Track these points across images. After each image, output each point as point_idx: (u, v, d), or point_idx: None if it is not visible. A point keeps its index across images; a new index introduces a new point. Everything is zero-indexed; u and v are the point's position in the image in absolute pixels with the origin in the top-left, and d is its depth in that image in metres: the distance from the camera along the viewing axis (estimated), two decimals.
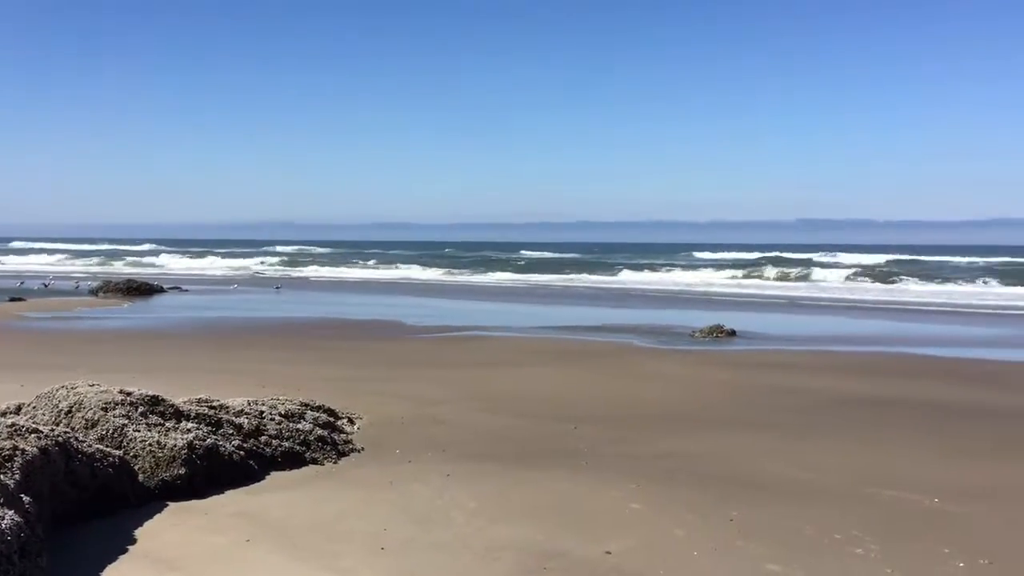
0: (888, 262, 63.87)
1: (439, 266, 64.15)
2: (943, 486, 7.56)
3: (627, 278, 51.90)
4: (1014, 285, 42.62)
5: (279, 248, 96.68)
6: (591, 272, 57.73)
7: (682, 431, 9.84)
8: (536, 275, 54.45)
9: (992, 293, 38.94)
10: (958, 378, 13.94)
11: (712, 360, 15.94)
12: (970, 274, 52.09)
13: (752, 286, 44.67)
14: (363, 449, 8.71)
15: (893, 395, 12.22)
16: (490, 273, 56.78)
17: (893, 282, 46.79)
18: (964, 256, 75.05)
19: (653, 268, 61.42)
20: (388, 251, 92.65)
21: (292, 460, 8.13)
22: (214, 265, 66.18)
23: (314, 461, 8.21)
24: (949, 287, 43.21)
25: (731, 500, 7.11)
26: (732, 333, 19.75)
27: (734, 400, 11.85)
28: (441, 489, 7.28)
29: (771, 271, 55.52)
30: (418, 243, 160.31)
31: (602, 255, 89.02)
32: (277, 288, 39.06)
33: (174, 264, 68.50)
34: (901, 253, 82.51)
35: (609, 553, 5.85)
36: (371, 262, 68.48)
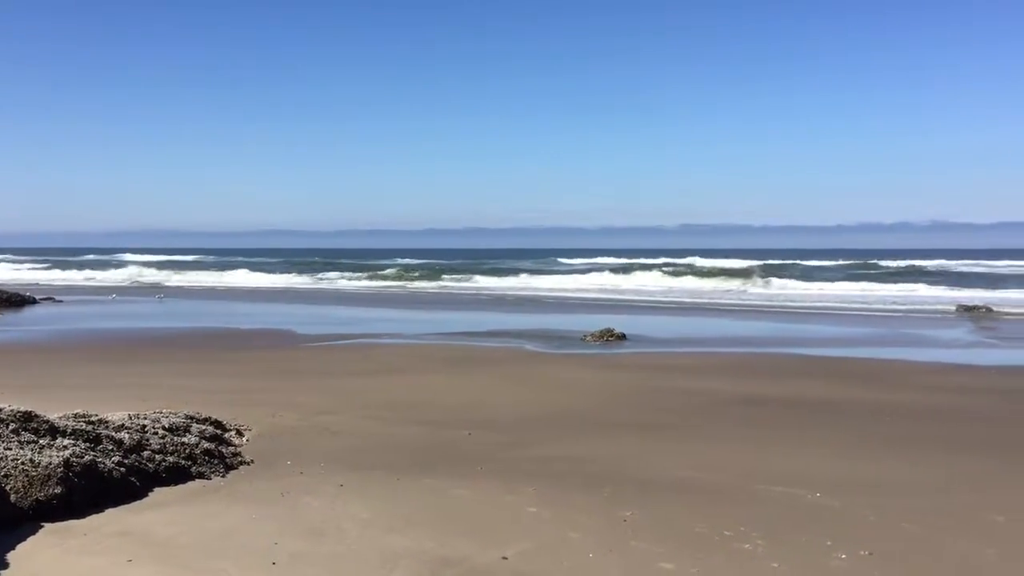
0: (765, 265, 66.27)
1: (327, 271, 63.11)
2: (824, 481, 7.85)
3: (516, 283, 51.99)
4: (861, 281, 45.07)
5: (163, 256, 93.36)
6: (488, 275, 57.83)
7: (575, 434, 9.94)
8: (420, 282, 54.08)
9: (858, 294, 40.76)
10: (834, 376, 14.53)
11: (603, 363, 16.18)
12: (835, 275, 54.62)
13: (633, 291, 45.53)
14: (252, 462, 8.47)
15: (775, 394, 12.65)
16: (368, 282, 55.79)
17: (770, 284, 48.55)
18: (835, 259, 78.66)
19: (533, 273, 61.93)
20: (273, 259, 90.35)
21: (177, 475, 7.83)
22: (89, 275, 63.28)
23: (201, 476, 7.94)
24: (820, 288, 45.01)
25: (624, 501, 7.21)
26: (622, 336, 20.10)
27: (625, 402, 12.04)
28: (334, 500, 7.14)
29: (658, 274, 56.86)
30: (304, 250, 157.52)
31: (491, 260, 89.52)
32: (159, 297, 37.72)
33: (47, 274, 65.21)
34: (780, 257, 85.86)
35: (506, 558, 5.84)
36: (249, 270, 66.37)
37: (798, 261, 77.96)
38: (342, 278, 57.59)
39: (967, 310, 30.17)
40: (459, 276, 57.48)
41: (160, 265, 71.75)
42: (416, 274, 59.23)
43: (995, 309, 30.14)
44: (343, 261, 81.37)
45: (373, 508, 6.92)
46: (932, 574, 5.64)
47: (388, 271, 62.38)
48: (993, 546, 6.14)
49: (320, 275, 60.13)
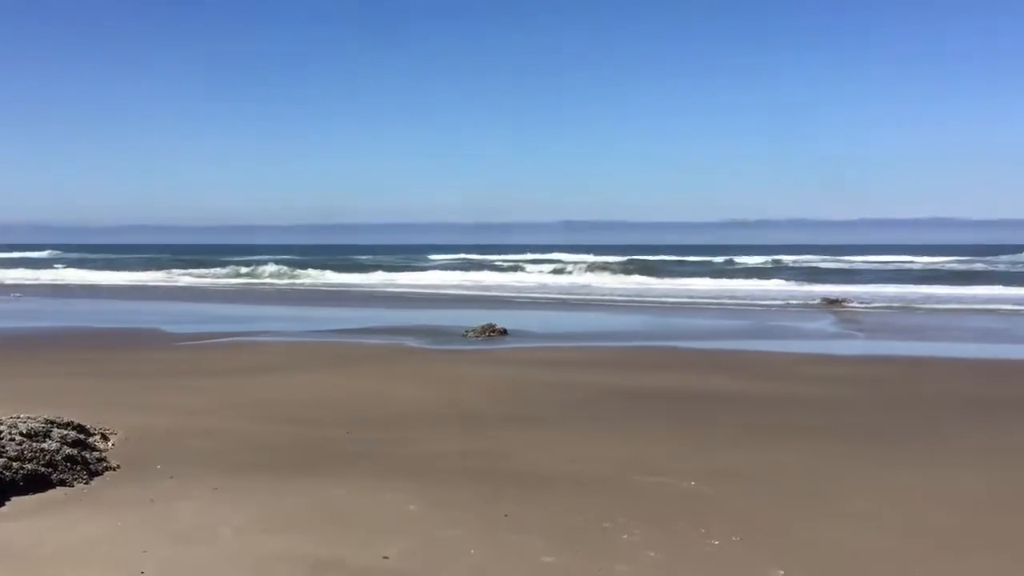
0: (643, 261, 67.99)
1: (197, 267, 60.99)
2: (698, 470, 8.09)
3: (393, 279, 51.50)
4: (726, 277, 46.76)
5: (17, 253, 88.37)
6: (354, 272, 57.13)
7: (457, 430, 9.92)
8: (286, 279, 52.74)
9: (727, 289, 42.25)
10: (706, 368, 15.00)
11: (485, 359, 16.23)
12: (699, 269, 56.62)
13: (513, 287, 45.91)
14: (119, 467, 8.09)
15: (652, 386, 12.96)
16: (228, 279, 54.01)
17: (652, 278, 49.84)
18: (708, 255, 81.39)
19: (414, 269, 61.69)
20: (128, 256, 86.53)
21: (37, 483, 7.41)
22: None
23: (63, 483, 7.53)
24: (690, 283, 46.42)
25: (506, 496, 7.24)
26: (504, 332, 20.19)
27: (507, 397, 12.11)
28: (207, 504, 6.90)
29: (545, 269, 57.58)
30: (178, 246, 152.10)
31: (360, 255, 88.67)
32: (16, 295, 35.70)
33: None
34: (654, 253, 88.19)
35: (386, 558, 5.77)
36: (115, 267, 63.48)
37: (671, 256, 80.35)
38: (191, 275, 55.45)
39: (830, 303, 31.68)
40: (321, 271, 56.46)
41: (12, 263, 68.00)
42: (274, 270, 57.12)
43: (855, 302, 31.74)
44: (203, 257, 78.04)
45: (248, 511, 6.72)
46: (796, 556, 5.87)
47: (245, 268, 59.92)
48: (854, 529, 6.45)
49: (176, 271, 57.89)
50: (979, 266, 61.48)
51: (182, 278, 53.31)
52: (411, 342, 18.60)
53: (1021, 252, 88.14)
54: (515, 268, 61.98)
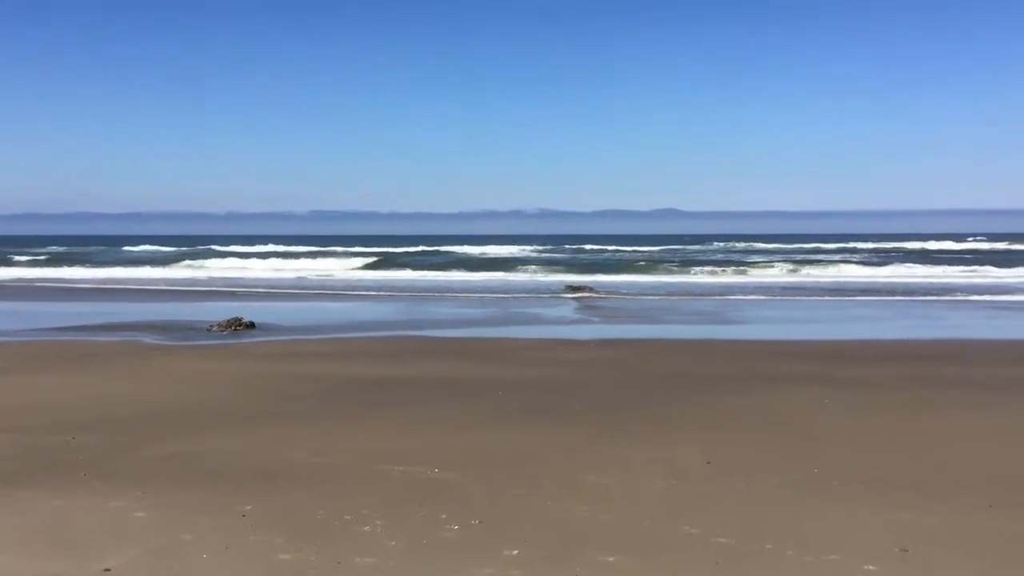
0: (394, 253, 68.17)
1: None
2: (443, 456, 8.22)
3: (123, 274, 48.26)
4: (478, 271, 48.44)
5: None
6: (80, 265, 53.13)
7: (196, 430, 9.46)
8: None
9: (480, 278, 43.34)
10: (453, 356, 15.29)
11: (230, 353, 15.61)
12: (446, 260, 57.93)
13: (257, 280, 44.59)
14: None
15: (400, 375, 13.02)
16: None
17: (405, 269, 50.07)
18: (459, 245, 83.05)
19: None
20: None
21: None
22: None
23: None
24: (446, 274, 47.22)
25: (245, 494, 7.00)
26: (251, 325, 19.52)
27: (252, 392, 11.71)
28: None
29: (278, 261, 56.13)
30: None
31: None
32: None
33: None
34: (408, 244, 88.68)
35: (108, 570, 5.41)
36: None
37: (428, 248, 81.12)
38: None
39: (573, 290, 33.27)
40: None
41: None
42: None
43: (596, 290, 33.52)
44: None
45: None
46: (532, 534, 6.12)
47: None
48: (585, 503, 6.82)
49: None
50: (698, 255, 67.30)
51: None
52: (148, 338, 17.53)
53: (730, 240, 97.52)
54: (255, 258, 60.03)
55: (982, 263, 50.50)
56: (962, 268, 47.94)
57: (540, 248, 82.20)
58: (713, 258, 62.86)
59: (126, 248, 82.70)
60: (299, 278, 44.24)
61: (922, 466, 7.88)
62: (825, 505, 6.77)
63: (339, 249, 71.93)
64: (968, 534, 6.10)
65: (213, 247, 79.77)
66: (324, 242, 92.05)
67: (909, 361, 14.38)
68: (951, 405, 10.70)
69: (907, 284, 37.23)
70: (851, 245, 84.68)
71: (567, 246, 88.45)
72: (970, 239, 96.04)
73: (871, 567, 5.50)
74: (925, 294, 31.19)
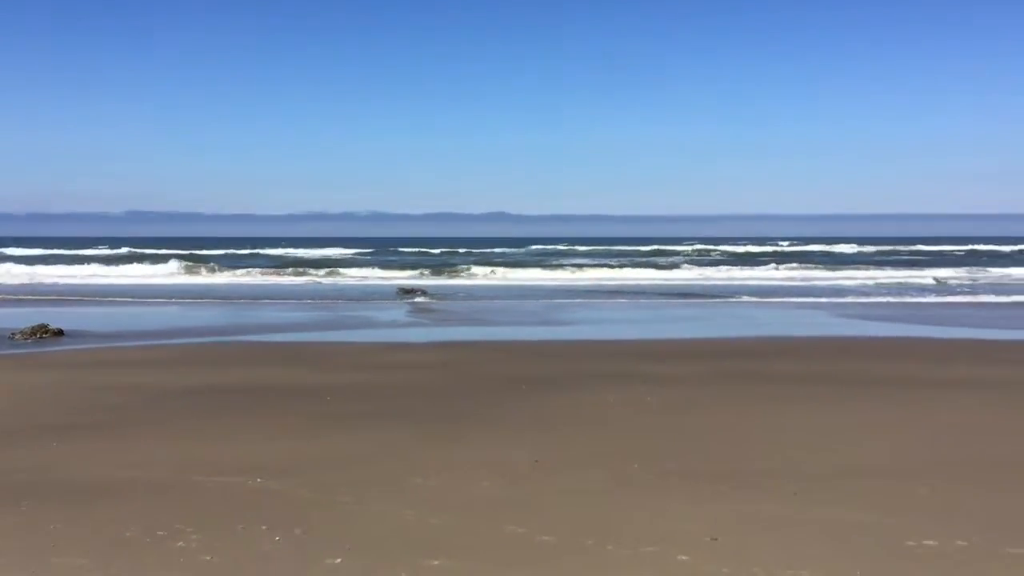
0: (230, 255, 65.77)
1: None
2: (267, 465, 7.96)
3: None
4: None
5: None
6: None
7: None
8: None
9: (311, 282, 42.50)
10: (281, 362, 14.88)
11: (35, 363, 14.60)
12: (267, 262, 56.52)
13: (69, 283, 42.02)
14: None
15: (223, 383, 12.53)
16: None
17: (228, 273, 48.39)
18: (281, 247, 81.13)
19: None
20: None
21: None
22: None
23: None
24: (276, 278, 46.03)
25: (48, 513, 6.53)
26: (60, 332, 18.29)
27: (58, 404, 10.97)
28: None
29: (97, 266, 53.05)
30: None
31: None
32: None
33: None
34: (240, 247, 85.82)
35: None
36: None
37: (254, 250, 78.69)
38: None
39: (407, 292, 33.12)
40: None
41: None
42: None
43: (430, 292, 33.51)
44: None
45: None
46: (355, 540, 6.01)
47: None
48: (412, 508, 6.76)
49: None
50: (528, 258, 68.66)
51: None
52: None
53: (557, 243, 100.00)
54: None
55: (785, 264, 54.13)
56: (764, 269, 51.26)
57: (372, 250, 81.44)
58: (544, 261, 64.19)
59: None
60: (112, 283, 41.80)
61: (733, 458, 8.30)
62: (644, 499, 7.01)
63: (157, 251, 68.63)
64: (774, 521, 6.46)
65: (7, 251, 73.70)
66: (140, 243, 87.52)
67: (724, 358, 15.15)
68: (757, 400, 11.33)
69: (727, 286, 39.33)
70: (681, 248, 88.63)
71: (400, 248, 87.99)
72: (779, 243, 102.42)
73: (684, 557, 5.73)
74: (734, 296, 33.02)
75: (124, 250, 73.18)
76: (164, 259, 57.93)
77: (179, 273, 48.64)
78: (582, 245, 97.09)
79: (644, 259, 66.24)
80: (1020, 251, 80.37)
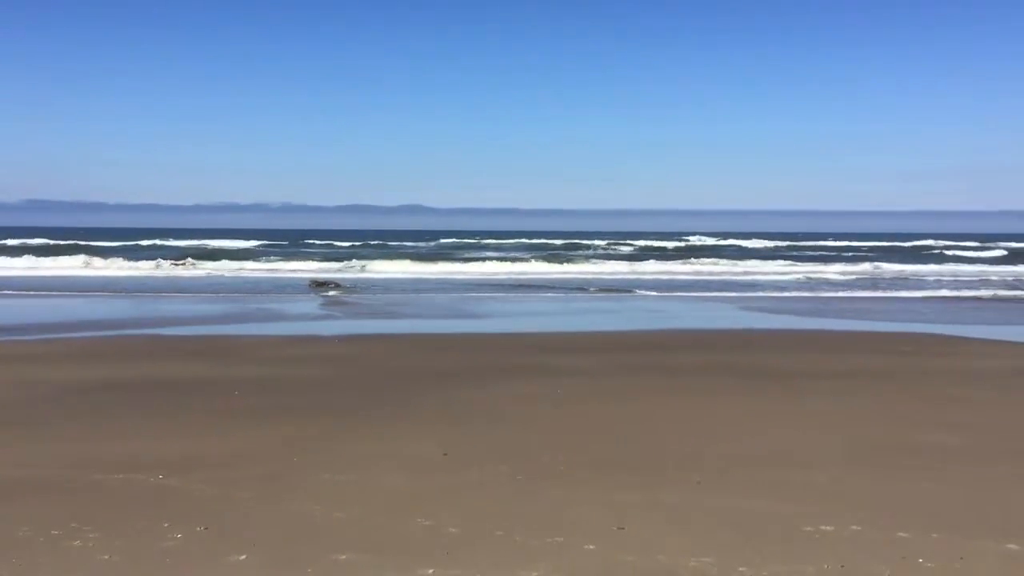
0: (134, 246, 63.79)
1: None
2: (169, 462, 7.77)
3: None
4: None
5: None
6: None
7: None
8: None
9: (228, 275, 41.61)
10: (184, 355, 14.53)
11: None
12: (172, 253, 55.20)
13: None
14: None
15: (123, 378, 12.16)
16: None
17: (132, 262, 47.00)
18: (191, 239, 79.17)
19: None
20: None
21: None
22: None
23: None
24: (186, 272, 44.89)
25: None
26: None
27: None
28: None
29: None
30: None
31: None
32: None
33: None
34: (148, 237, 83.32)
35: None
36: None
37: (160, 241, 76.57)
38: None
39: (318, 285, 32.70)
40: None
41: None
42: None
43: (343, 285, 33.15)
44: None
45: None
46: (260, 538, 5.92)
47: None
48: (319, 503, 6.69)
49: None
50: (442, 252, 68.57)
51: None
52: None
53: (475, 236, 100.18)
54: None
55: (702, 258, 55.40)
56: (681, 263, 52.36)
57: (284, 243, 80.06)
58: (457, 254, 64.09)
59: None
60: (9, 275, 40.12)
61: (639, 449, 8.47)
62: (553, 490, 7.09)
63: (58, 242, 66.09)
64: (678, 510, 6.62)
65: None
66: (40, 233, 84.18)
67: (632, 351, 15.42)
68: (663, 391, 11.58)
69: (637, 280, 39.99)
70: (590, 242, 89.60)
71: (313, 241, 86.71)
72: (692, 237, 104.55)
73: (591, 546, 5.82)
74: (644, 289, 33.62)
75: (22, 241, 70.14)
76: (65, 250, 55.94)
77: (81, 265, 46.94)
78: (495, 239, 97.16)
79: (556, 252, 66.81)
80: (916, 247, 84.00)
